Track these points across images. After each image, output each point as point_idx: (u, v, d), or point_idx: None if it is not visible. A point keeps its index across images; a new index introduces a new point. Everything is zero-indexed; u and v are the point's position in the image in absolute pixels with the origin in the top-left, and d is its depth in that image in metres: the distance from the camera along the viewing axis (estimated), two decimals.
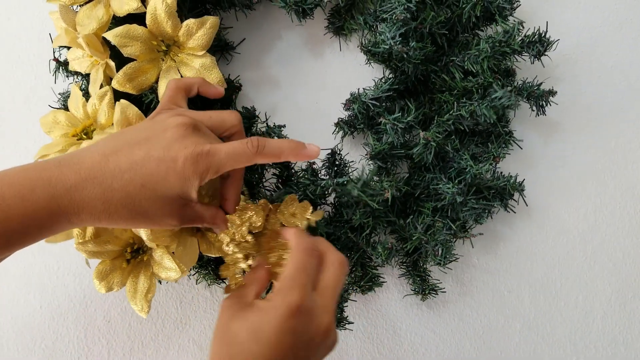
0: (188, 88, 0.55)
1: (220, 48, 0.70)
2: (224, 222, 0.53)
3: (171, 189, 0.45)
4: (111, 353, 0.74)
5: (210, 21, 0.58)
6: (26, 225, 0.42)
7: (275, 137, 0.64)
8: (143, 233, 0.53)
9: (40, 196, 0.42)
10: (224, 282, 0.66)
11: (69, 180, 0.43)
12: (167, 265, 0.55)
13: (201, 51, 0.58)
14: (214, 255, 0.58)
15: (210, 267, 0.64)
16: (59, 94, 0.67)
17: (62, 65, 0.64)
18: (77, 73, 0.63)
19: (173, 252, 0.56)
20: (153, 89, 0.59)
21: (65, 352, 0.73)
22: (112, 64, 0.57)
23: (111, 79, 0.58)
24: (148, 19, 0.56)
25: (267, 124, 0.65)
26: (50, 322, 0.74)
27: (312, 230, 0.61)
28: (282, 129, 0.65)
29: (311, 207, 0.59)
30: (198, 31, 0.58)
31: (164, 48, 0.58)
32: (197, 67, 0.58)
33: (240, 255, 0.57)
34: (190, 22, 0.57)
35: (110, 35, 0.55)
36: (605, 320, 0.77)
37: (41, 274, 0.74)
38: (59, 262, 0.74)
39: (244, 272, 0.58)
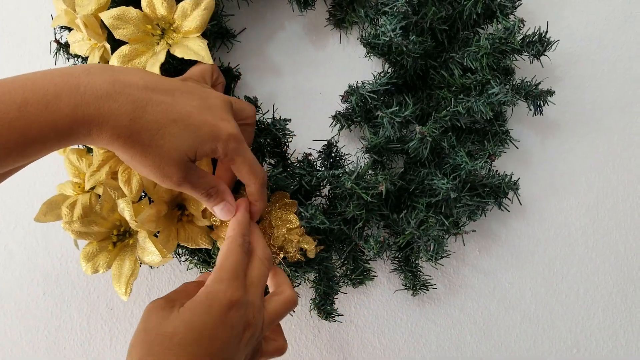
0: (217, 74, 0.57)
1: (220, 36, 0.70)
2: (219, 200, 0.52)
3: (197, 139, 0.45)
4: (113, 340, 0.75)
5: (205, 2, 0.57)
6: (45, 134, 0.39)
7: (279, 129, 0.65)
8: (127, 214, 0.54)
9: (65, 103, 0.40)
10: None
11: (100, 90, 0.41)
12: (149, 249, 0.55)
13: (197, 33, 0.58)
14: (191, 247, 0.59)
15: (201, 254, 0.65)
16: None
17: (63, 47, 0.64)
18: (77, 56, 0.63)
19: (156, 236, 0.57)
20: None
21: (68, 339, 0.74)
22: (108, 46, 0.57)
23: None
24: (143, 1, 0.57)
25: (273, 116, 0.66)
26: (54, 309, 0.75)
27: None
28: (287, 122, 0.65)
29: (297, 219, 0.60)
30: (193, 12, 0.57)
31: (158, 32, 0.58)
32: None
33: None
34: (185, 3, 0.57)
35: (105, 16, 0.55)
36: (606, 313, 0.77)
37: (45, 261, 0.75)
38: (62, 249, 0.75)
39: None
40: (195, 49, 0.56)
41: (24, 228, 0.75)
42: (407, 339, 0.76)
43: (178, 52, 0.56)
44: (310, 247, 0.61)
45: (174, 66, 0.61)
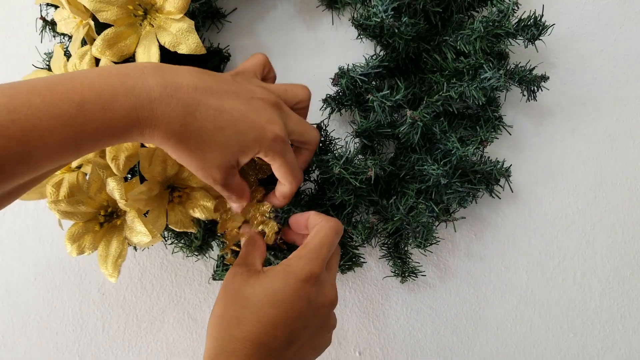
0: (268, 68, 0.58)
1: (210, 15, 0.68)
2: (245, 201, 0.54)
3: (242, 146, 0.47)
4: (106, 326, 0.74)
5: None
6: (101, 132, 0.41)
7: None
8: (117, 194, 0.53)
9: (121, 104, 0.41)
10: (198, 255, 0.66)
11: (153, 92, 0.43)
12: (138, 229, 0.54)
13: (178, 14, 0.56)
14: (178, 229, 0.58)
15: (187, 237, 0.64)
16: (45, 53, 0.66)
17: (49, 24, 0.63)
18: (64, 35, 0.62)
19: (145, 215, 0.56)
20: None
21: (60, 325, 0.74)
22: (92, 23, 0.56)
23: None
24: None
25: None
26: (45, 295, 0.74)
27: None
28: None
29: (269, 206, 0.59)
30: None
31: (140, 12, 0.57)
32: (174, 32, 0.56)
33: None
34: None
35: (86, 0, 0.54)
36: (603, 297, 0.77)
37: (35, 246, 0.74)
38: (53, 234, 0.74)
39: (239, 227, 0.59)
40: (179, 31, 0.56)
41: (14, 213, 0.74)
42: (402, 324, 0.76)
43: (167, 43, 0.56)
44: (271, 232, 0.58)
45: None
